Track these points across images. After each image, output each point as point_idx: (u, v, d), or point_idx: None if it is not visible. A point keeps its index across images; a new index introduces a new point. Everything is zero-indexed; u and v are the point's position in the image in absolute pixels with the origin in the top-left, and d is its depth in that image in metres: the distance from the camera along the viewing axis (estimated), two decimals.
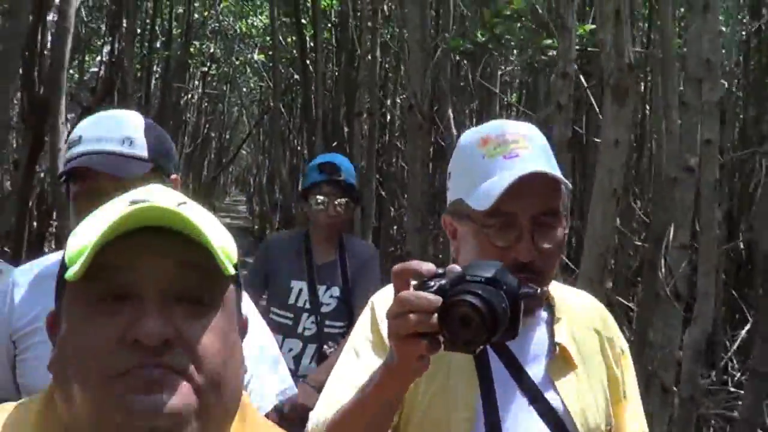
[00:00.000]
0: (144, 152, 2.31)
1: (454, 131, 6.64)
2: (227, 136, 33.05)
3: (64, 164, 2.40)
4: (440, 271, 1.44)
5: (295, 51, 14.70)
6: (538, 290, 1.58)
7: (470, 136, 1.97)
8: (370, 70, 9.44)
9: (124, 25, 13.66)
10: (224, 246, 1.14)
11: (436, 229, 8.27)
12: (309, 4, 13.15)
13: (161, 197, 1.15)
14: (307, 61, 13.28)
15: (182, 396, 1.04)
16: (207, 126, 27.23)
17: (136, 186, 1.43)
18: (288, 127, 18.48)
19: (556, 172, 1.86)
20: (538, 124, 2.55)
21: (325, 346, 4.17)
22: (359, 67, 10.68)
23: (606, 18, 4.07)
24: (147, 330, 1.03)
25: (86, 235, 1.11)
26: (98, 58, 14.82)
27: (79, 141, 2.34)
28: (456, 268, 1.45)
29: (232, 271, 1.12)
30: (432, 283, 1.42)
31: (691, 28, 4.79)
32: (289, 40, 16.01)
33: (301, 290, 4.28)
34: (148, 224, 1.08)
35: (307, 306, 4.26)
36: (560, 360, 1.91)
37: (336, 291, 4.29)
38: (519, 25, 6.65)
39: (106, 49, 14.65)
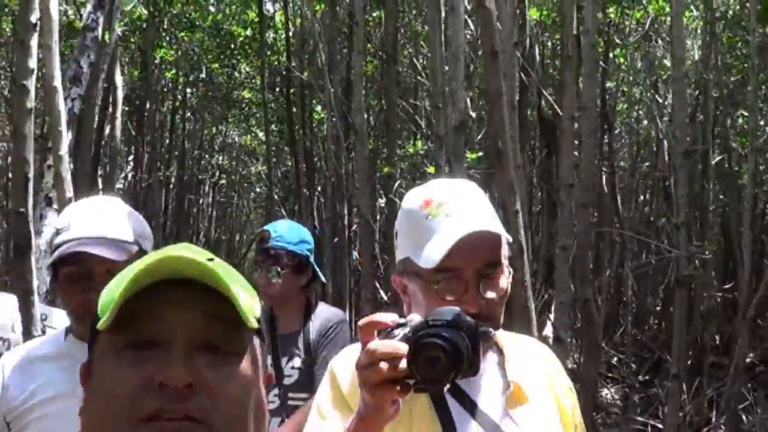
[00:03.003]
0: (130, 236, 2.43)
1: None
2: (238, 238, 35.19)
3: (53, 249, 2.47)
4: (402, 320, 1.53)
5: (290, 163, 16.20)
6: (492, 331, 1.74)
7: (413, 197, 2.04)
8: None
9: (147, 149, 16.10)
10: (248, 301, 1.18)
11: None
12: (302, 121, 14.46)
13: (188, 251, 1.17)
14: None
15: None
16: (217, 231, 29.41)
17: (124, 267, 1.54)
18: None
19: (497, 226, 1.95)
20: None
21: (287, 420, 3.95)
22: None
23: None
24: (172, 374, 1.06)
25: (117, 285, 1.15)
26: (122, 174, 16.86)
27: (68, 227, 2.42)
28: (417, 316, 1.54)
29: (255, 324, 1.17)
30: (397, 332, 1.50)
31: None
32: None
33: None
34: (175, 276, 1.13)
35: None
36: (514, 396, 1.98)
37: (297, 362, 4.13)
38: None
39: (129, 167, 16.99)
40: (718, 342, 11.29)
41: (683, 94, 8.03)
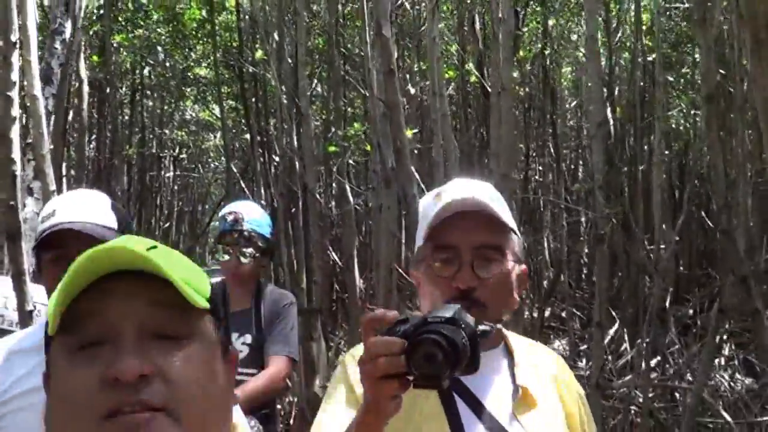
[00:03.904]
0: (114, 224, 2.46)
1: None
2: (200, 209, 35.86)
3: (39, 235, 2.48)
4: (403, 317, 1.56)
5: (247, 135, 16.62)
6: (494, 328, 1.70)
7: (428, 195, 2.10)
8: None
9: (108, 128, 16.79)
10: (193, 281, 1.19)
11: None
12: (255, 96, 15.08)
13: (126, 242, 1.17)
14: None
15: None
16: (180, 204, 30.07)
17: None
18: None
19: (498, 210, 1.97)
20: None
21: (237, 393, 4.19)
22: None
23: None
24: (123, 367, 1.07)
25: (61, 289, 1.15)
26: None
27: (53, 214, 2.45)
28: (418, 313, 1.60)
29: (202, 303, 1.18)
30: (397, 329, 1.52)
31: None
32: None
33: None
34: (115, 269, 1.13)
35: None
36: (523, 400, 1.98)
37: (248, 338, 4.22)
38: None
39: (92, 147, 17.66)
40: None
41: (598, 67, 8.90)
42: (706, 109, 5.71)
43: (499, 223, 1.97)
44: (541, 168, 15.91)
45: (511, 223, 2.00)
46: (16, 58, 5.65)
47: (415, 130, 8.86)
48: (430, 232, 1.97)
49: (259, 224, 4.32)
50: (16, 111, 5.70)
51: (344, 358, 2.03)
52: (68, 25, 7.90)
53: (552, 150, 15.06)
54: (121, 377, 1.07)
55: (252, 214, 4.33)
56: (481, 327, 1.58)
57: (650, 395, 8.26)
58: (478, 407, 1.94)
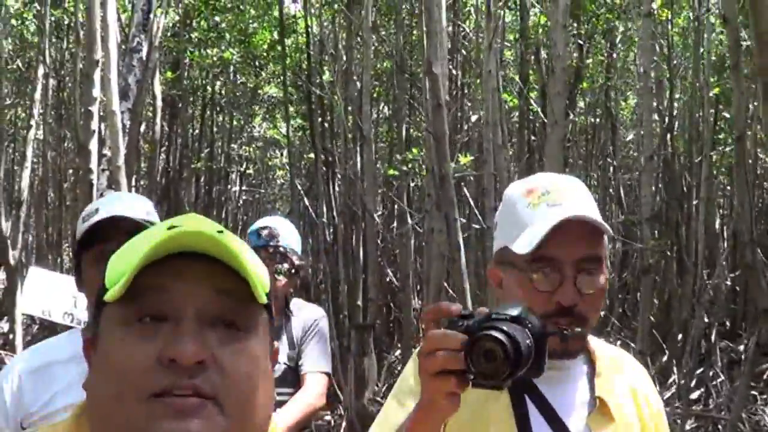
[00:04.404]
0: (158, 221, 2.33)
1: None
2: None
3: (80, 234, 2.41)
4: (468, 312, 1.49)
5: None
6: (568, 331, 1.71)
7: (516, 187, 2.00)
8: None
9: (179, 140, 17.35)
10: (259, 275, 1.16)
11: None
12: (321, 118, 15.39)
13: (200, 224, 1.17)
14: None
15: (212, 425, 1.07)
16: (245, 217, 30.72)
17: None
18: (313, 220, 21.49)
19: (600, 219, 1.87)
20: None
21: (274, 414, 4.54)
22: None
23: None
24: (183, 350, 1.06)
25: (126, 257, 1.14)
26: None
27: (96, 212, 2.40)
28: (483, 309, 1.50)
29: (265, 299, 1.16)
30: (460, 323, 1.46)
31: None
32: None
33: None
34: (186, 249, 1.11)
35: None
36: (600, 413, 1.91)
37: (283, 356, 4.10)
38: None
39: (162, 157, 18.24)
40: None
41: (649, 102, 9.17)
42: (737, 148, 5.92)
43: (598, 232, 1.87)
44: (596, 196, 16.05)
45: (607, 227, 1.89)
46: (97, 76, 6.13)
47: (473, 157, 9.18)
48: (529, 241, 1.83)
49: (296, 241, 4.24)
50: (95, 125, 6.17)
51: (416, 352, 1.83)
52: (145, 44, 8.37)
53: (612, 180, 15.21)
54: (179, 359, 1.06)
55: (287, 231, 4.23)
56: (551, 329, 1.55)
57: (692, 426, 8.44)
58: (551, 414, 1.87)
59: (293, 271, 4.17)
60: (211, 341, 1.09)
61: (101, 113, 6.63)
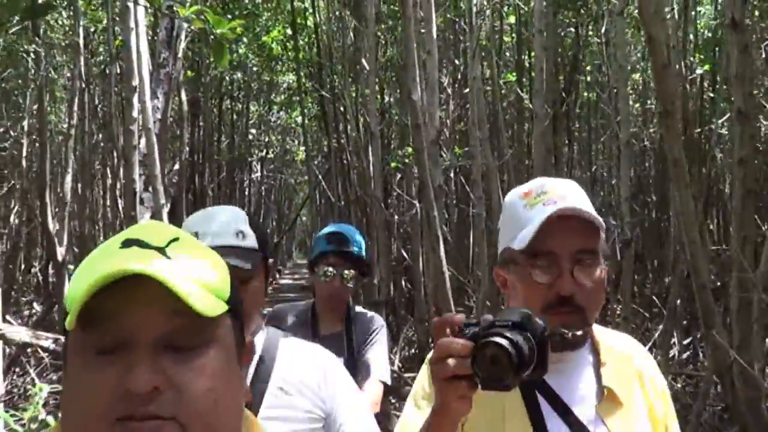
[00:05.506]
0: (254, 243, 2.45)
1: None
2: (287, 205, 37.59)
3: None
4: (474, 320, 1.57)
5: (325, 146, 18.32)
6: (568, 334, 1.76)
7: (514, 192, 2.07)
8: None
9: (201, 132, 18.33)
10: (210, 284, 1.17)
11: None
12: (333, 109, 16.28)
13: (153, 237, 1.19)
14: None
15: None
16: (266, 201, 31.73)
17: (253, 276, 2.12)
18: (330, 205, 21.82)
19: (594, 213, 1.92)
20: None
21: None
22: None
23: None
24: (135, 380, 1.08)
25: (81, 281, 1.14)
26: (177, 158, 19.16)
27: (197, 237, 2.31)
28: (488, 316, 1.57)
29: (219, 310, 1.16)
30: (467, 331, 1.54)
31: None
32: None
33: None
34: (133, 273, 1.10)
35: None
36: (608, 401, 1.96)
37: (341, 362, 3.62)
38: None
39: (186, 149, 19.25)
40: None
41: (625, 91, 10.07)
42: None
43: (593, 226, 1.92)
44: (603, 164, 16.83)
45: (601, 221, 1.94)
46: (136, 99, 7.19)
47: (467, 148, 10.30)
48: (525, 236, 1.90)
49: (363, 249, 4.22)
50: (135, 140, 7.24)
51: (427, 359, 1.89)
52: (170, 59, 9.42)
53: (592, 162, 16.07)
54: (133, 390, 1.08)
55: (357, 237, 4.21)
56: (551, 330, 1.58)
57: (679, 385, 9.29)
58: (561, 407, 1.92)
59: (362, 276, 4.27)
60: (166, 364, 1.11)
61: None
